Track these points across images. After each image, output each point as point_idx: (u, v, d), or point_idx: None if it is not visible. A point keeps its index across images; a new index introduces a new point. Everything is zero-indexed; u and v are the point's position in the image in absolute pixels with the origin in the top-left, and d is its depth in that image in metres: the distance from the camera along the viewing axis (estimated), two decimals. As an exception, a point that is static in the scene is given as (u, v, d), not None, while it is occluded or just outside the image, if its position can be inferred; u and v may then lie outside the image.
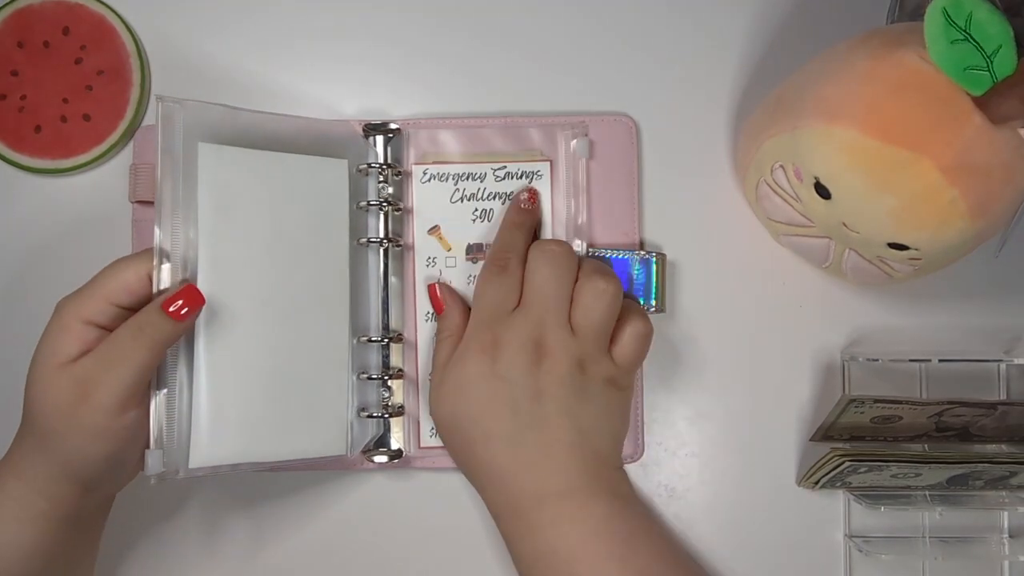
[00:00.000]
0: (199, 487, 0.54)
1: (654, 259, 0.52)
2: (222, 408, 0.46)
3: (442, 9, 0.55)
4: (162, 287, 0.45)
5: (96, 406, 0.42)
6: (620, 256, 0.52)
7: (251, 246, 0.48)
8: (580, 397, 0.46)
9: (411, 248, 0.53)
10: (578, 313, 0.47)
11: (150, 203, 0.52)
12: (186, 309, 0.44)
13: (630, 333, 0.48)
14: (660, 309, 0.53)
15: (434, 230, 0.53)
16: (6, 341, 0.54)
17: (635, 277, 0.52)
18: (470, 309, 0.50)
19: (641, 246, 0.54)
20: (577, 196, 0.53)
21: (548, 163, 0.53)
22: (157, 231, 0.46)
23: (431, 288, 0.52)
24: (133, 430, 0.44)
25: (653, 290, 0.52)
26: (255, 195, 0.48)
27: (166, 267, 0.45)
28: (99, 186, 0.54)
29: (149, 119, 0.54)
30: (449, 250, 0.53)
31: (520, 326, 0.47)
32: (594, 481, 0.46)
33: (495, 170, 0.53)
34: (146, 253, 0.45)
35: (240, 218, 0.47)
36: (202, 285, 0.46)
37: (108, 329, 0.44)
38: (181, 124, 0.46)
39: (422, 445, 0.52)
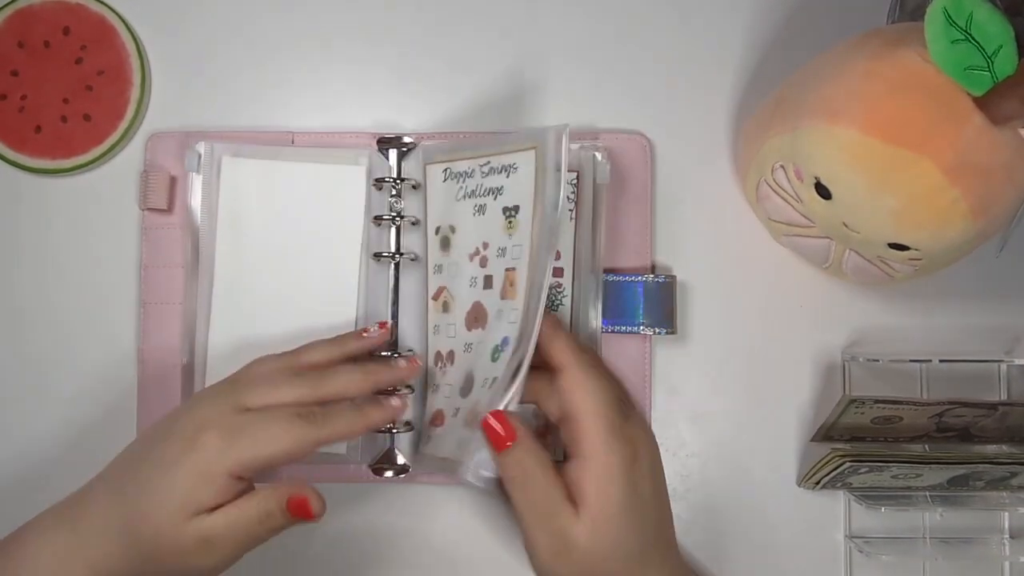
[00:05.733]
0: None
1: (665, 281, 0.52)
2: None
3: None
4: None
5: (211, 565, 0.42)
6: (632, 280, 0.52)
7: (266, 254, 0.49)
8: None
9: (423, 262, 0.52)
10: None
11: (161, 211, 0.52)
12: (302, 515, 0.43)
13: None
14: (672, 331, 0.52)
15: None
16: (6, 339, 0.53)
17: (648, 303, 0.52)
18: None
19: (652, 267, 0.54)
20: (596, 221, 0.51)
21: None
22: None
23: (485, 422, 0.41)
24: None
25: (666, 314, 0.52)
26: (272, 205, 0.49)
27: None
28: (99, 186, 0.54)
29: (156, 125, 0.54)
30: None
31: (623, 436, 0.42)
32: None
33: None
34: (311, 425, 0.43)
35: (256, 227, 0.48)
36: (218, 288, 0.47)
37: (249, 482, 0.43)
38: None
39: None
